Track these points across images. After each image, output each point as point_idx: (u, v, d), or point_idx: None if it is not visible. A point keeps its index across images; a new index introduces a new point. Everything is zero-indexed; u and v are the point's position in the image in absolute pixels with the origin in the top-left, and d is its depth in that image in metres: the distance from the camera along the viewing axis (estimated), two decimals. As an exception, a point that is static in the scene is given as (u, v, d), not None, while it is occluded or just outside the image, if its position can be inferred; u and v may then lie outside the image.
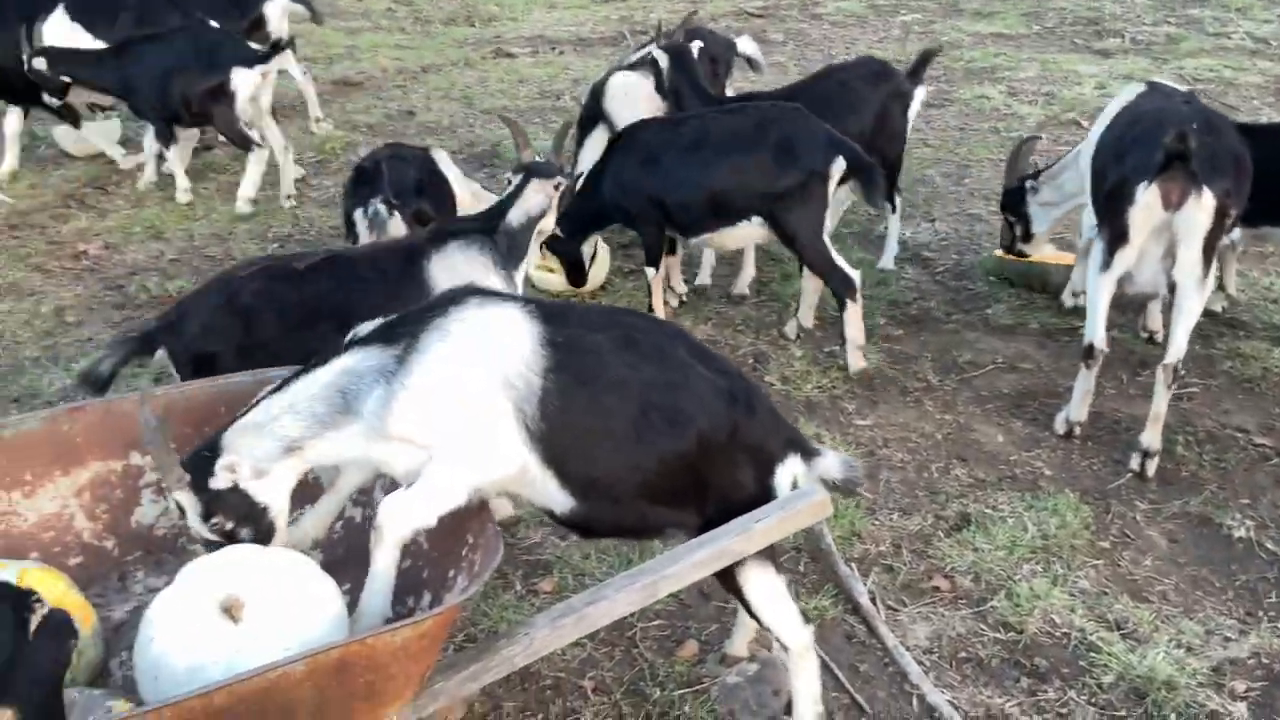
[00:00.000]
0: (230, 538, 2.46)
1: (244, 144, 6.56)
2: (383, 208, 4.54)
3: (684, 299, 5.58)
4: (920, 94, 5.62)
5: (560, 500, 2.51)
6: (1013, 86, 8.99)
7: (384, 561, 2.37)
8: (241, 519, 2.46)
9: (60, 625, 1.91)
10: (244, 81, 6.39)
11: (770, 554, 2.64)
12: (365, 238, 4.65)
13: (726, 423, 2.52)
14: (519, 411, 2.39)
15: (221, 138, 7.12)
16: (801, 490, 2.56)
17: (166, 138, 6.67)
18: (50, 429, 2.60)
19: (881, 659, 3.23)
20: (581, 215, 5.01)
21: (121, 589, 2.67)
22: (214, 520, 2.44)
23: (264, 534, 2.50)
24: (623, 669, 3.22)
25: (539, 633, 2.39)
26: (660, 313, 5.15)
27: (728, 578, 2.64)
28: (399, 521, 2.34)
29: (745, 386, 2.62)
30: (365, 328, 2.50)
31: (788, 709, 3.03)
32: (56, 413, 2.64)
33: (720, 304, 5.61)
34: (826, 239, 4.71)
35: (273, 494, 2.48)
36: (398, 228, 4.56)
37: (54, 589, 2.43)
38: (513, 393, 2.38)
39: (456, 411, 2.36)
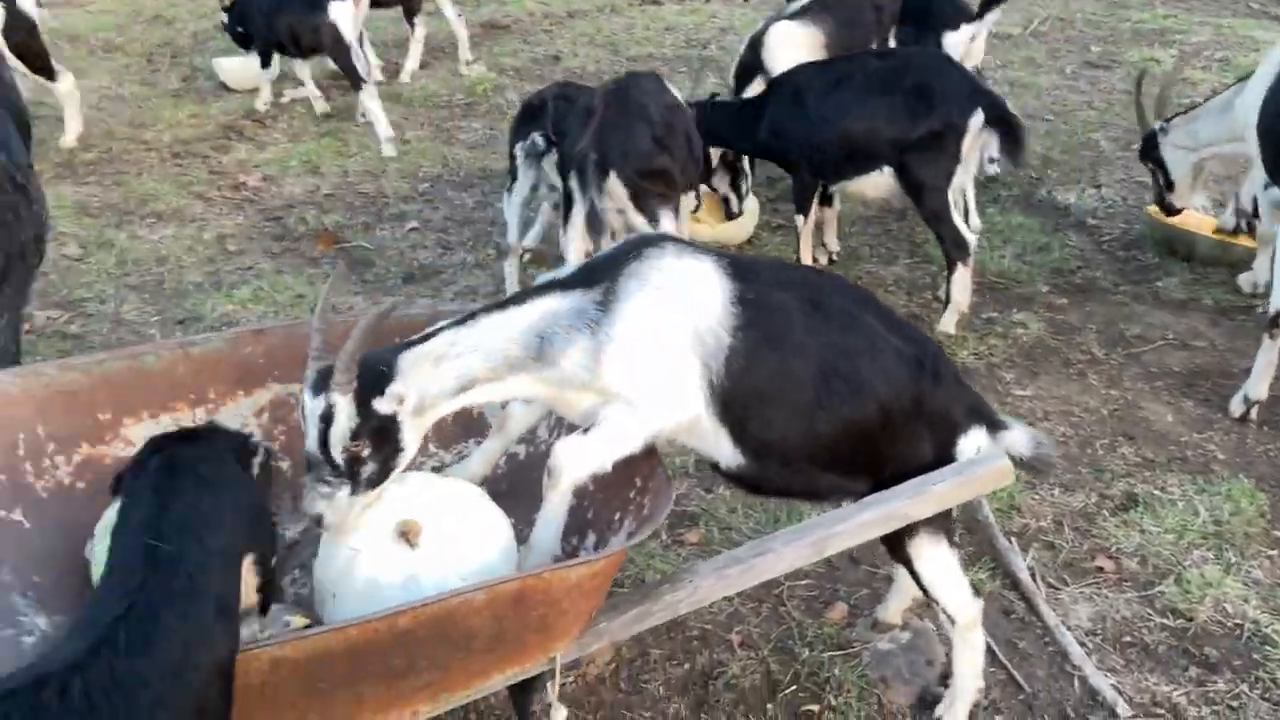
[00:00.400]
0: (350, 467, 2.22)
1: (355, 79, 6.71)
2: (540, 139, 4.55)
3: (835, 257, 5.45)
4: (966, 31, 5.45)
5: (729, 456, 2.45)
6: (1184, 50, 8.50)
7: (557, 503, 2.35)
8: (377, 453, 2.23)
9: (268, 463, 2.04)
10: (341, 13, 6.65)
11: (945, 525, 2.56)
12: (524, 172, 4.66)
13: (910, 391, 2.43)
14: (705, 367, 2.32)
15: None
16: (982, 455, 2.46)
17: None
18: (235, 349, 2.67)
19: (1041, 637, 3.12)
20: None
21: (294, 510, 2.73)
22: (355, 443, 2.20)
23: (379, 477, 2.26)
24: (770, 626, 3.18)
25: (704, 581, 2.36)
26: (806, 259, 5.05)
27: (897, 546, 2.56)
28: (576, 465, 2.31)
29: (933, 353, 2.51)
30: (561, 271, 2.45)
31: (941, 680, 2.96)
32: (241, 334, 2.70)
33: (872, 263, 5.47)
34: (950, 195, 4.52)
35: (413, 438, 2.28)
36: (552, 164, 4.57)
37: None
38: (701, 348, 2.32)
39: (655, 362, 2.30)
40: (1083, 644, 3.09)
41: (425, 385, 2.27)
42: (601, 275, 2.34)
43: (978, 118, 4.39)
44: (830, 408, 2.39)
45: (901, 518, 2.44)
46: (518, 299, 2.36)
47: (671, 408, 2.33)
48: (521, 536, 2.49)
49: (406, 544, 2.22)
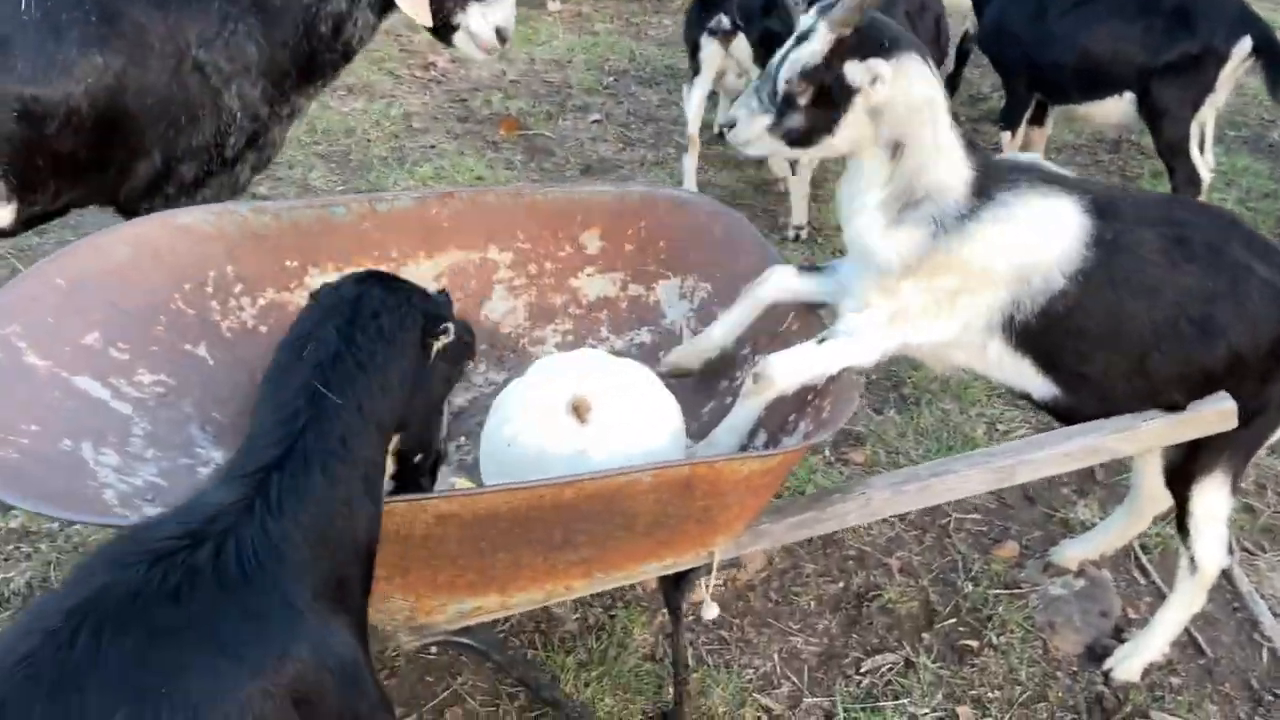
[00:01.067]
0: (784, 103, 2.14)
1: None
2: (726, 20, 4.37)
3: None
4: None
5: (1038, 386, 2.33)
6: None
7: (751, 409, 2.24)
8: (811, 111, 2.13)
9: (458, 358, 1.91)
10: None
11: (1238, 467, 2.39)
12: (708, 60, 4.48)
13: (1274, 331, 2.23)
14: (1015, 304, 2.20)
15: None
16: (1209, 399, 2.23)
17: None
18: (420, 210, 2.64)
19: (1230, 602, 2.89)
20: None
21: (463, 377, 2.72)
22: (803, 81, 2.11)
23: (799, 137, 2.18)
24: (933, 556, 3.04)
25: (877, 494, 2.23)
26: None
27: (1182, 473, 2.38)
28: (789, 378, 2.19)
29: None
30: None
31: (1115, 633, 2.79)
32: (428, 195, 2.67)
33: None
34: (1193, 128, 4.15)
35: (846, 136, 2.16)
36: (742, 47, 4.39)
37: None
38: (1022, 286, 2.19)
39: (958, 280, 2.19)
40: (1277, 614, 2.84)
41: (900, 103, 2.13)
42: (981, 183, 2.19)
43: (1244, 45, 3.99)
44: (1170, 350, 2.22)
45: (1108, 452, 2.26)
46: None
47: (938, 332, 2.24)
48: (692, 431, 2.42)
49: (577, 419, 2.16)
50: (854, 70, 2.07)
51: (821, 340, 2.22)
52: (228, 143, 3.04)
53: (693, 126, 4.71)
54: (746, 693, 2.63)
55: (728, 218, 2.70)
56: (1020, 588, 2.92)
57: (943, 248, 2.17)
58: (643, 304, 2.78)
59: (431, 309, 1.79)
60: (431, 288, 2.68)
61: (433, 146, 5.42)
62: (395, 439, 1.76)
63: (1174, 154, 4.17)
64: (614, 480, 1.91)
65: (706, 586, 2.24)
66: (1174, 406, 2.27)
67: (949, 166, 2.18)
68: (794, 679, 2.68)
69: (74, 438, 2.04)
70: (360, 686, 1.43)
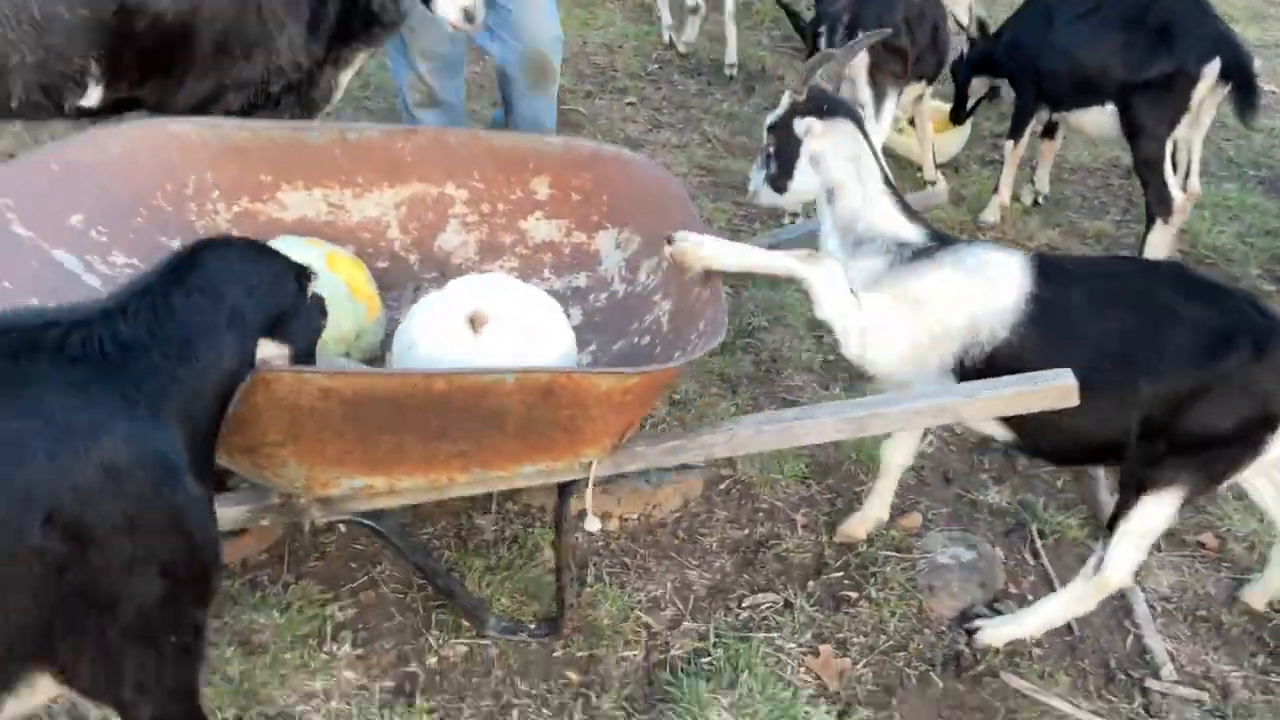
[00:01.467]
0: (764, 155, 2.92)
1: None
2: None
3: (1041, 199, 5.22)
4: None
5: (994, 430, 2.69)
6: None
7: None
8: (777, 157, 2.87)
9: (321, 302, 2.20)
10: None
11: (1197, 490, 2.60)
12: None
13: (1206, 368, 2.44)
14: (964, 350, 2.56)
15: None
16: (1052, 371, 2.41)
17: None
18: (387, 142, 2.94)
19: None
20: (980, 58, 5.03)
21: (413, 299, 3.01)
22: (769, 135, 2.89)
23: (775, 182, 2.91)
24: (839, 517, 3.22)
25: (743, 431, 2.46)
26: (1005, 192, 4.91)
27: (1139, 474, 2.56)
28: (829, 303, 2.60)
29: (1256, 325, 2.46)
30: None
31: (989, 604, 2.96)
32: (394, 130, 2.98)
33: (1079, 213, 5.22)
34: (1168, 145, 4.30)
35: (802, 180, 2.83)
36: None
37: (357, 276, 2.79)
38: (970, 335, 2.55)
39: (910, 323, 2.58)
40: (1152, 607, 2.98)
41: (829, 154, 2.76)
42: (937, 236, 2.71)
43: (1213, 67, 4.10)
44: (1094, 386, 2.41)
45: (952, 414, 2.45)
46: (889, 183, 2.75)
47: (888, 357, 2.63)
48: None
49: (472, 330, 2.43)
50: (798, 124, 2.76)
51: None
52: (273, 82, 3.40)
53: None
54: (631, 610, 2.87)
55: (663, 177, 2.95)
56: (912, 553, 3.10)
57: (891, 280, 2.61)
58: (583, 250, 3.04)
59: (295, 264, 2.13)
60: (391, 214, 3.00)
61: (474, 112, 5.73)
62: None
63: (1148, 169, 4.30)
64: (480, 378, 2.18)
65: (587, 497, 2.49)
66: (1121, 448, 2.54)
67: (882, 214, 2.67)
68: (679, 605, 2.92)
69: (40, 299, 2.37)
70: (179, 486, 1.68)
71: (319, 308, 2.20)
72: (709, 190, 5.13)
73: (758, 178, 2.95)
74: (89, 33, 3.04)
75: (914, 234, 2.68)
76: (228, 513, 2.53)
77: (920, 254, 2.63)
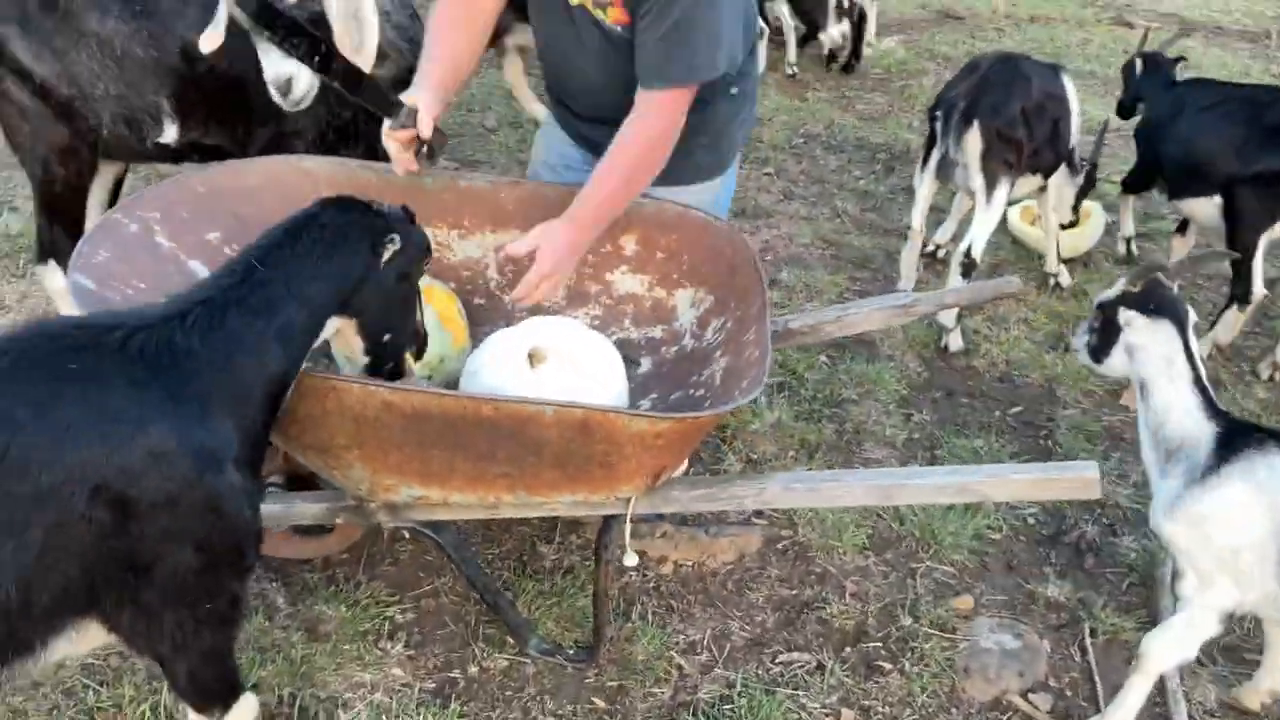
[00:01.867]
0: (1086, 341, 3.00)
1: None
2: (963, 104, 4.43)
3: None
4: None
5: None
6: None
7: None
8: (1103, 343, 2.93)
9: (410, 261, 2.36)
10: None
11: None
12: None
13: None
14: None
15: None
16: (1075, 463, 2.45)
17: None
18: (492, 192, 3.21)
19: (1153, 696, 2.97)
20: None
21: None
22: (1089, 333, 2.99)
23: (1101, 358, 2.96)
24: (889, 591, 3.28)
25: (772, 487, 2.59)
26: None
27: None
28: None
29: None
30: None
31: (1023, 693, 2.95)
32: (500, 181, 3.25)
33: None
34: (1262, 241, 4.38)
35: (1118, 362, 2.89)
36: (974, 140, 4.37)
37: (449, 307, 3.06)
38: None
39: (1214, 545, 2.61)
40: (1193, 718, 2.91)
41: (1143, 350, 2.82)
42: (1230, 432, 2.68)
43: None
44: None
45: (976, 493, 2.51)
46: (1199, 384, 2.74)
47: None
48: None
49: (529, 364, 2.65)
50: (1123, 314, 2.82)
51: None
52: (329, 131, 3.64)
53: (917, 220, 4.75)
54: (667, 650, 3.00)
55: (739, 242, 3.11)
56: (955, 633, 3.12)
57: (1182, 504, 2.61)
58: (662, 305, 3.22)
59: (379, 224, 2.30)
60: (490, 257, 3.24)
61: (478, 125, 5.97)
62: (353, 322, 2.32)
63: (1242, 258, 4.38)
64: (523, 408, 2.39)
65: (624, 533, 2.66)
66: None
67: (1183, 413, 2.71)
68: (714, 651, 3.03)
69: (171, 300, 2.73)
70: (220, 474, 1.93)
71: (408, 263, 2.37)
72: (828, 263, 5.26)
73: (1080, 340, 3.06)
74: (159, 73, 3.42)
75: (1207, 435, 2.67)
76: (308, 508, 2.85)
77: (1209, 470, 2.63)
